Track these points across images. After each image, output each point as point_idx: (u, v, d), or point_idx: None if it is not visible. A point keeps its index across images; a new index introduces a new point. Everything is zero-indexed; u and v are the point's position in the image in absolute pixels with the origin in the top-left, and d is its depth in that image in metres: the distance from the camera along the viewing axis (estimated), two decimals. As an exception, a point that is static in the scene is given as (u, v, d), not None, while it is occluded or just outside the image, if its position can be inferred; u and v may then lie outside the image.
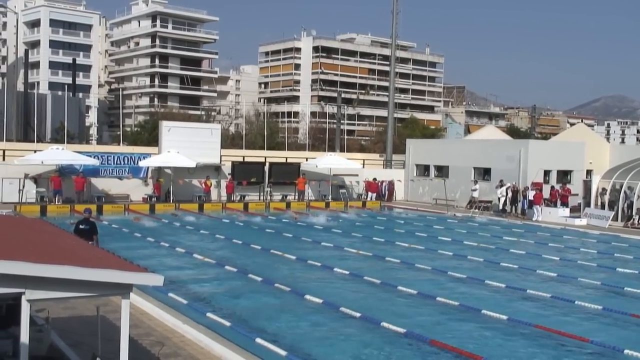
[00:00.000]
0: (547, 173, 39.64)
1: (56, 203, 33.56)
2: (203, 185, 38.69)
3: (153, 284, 7.84)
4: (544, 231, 31.91)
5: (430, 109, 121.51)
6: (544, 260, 23.19)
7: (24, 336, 7.06)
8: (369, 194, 43.74)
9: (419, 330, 13.37)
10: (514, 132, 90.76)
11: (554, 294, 17.25)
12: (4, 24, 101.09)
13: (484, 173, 41.85)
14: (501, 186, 37.98)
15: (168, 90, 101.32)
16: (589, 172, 39.35)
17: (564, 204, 36.75)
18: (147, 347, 11.27)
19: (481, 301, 16.33)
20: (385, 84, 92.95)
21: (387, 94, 68.63)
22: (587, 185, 37.09)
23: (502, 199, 37.52)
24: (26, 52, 67.40)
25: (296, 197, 41.69)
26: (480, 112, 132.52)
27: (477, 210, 38.14)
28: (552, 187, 38.04)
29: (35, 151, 36.48)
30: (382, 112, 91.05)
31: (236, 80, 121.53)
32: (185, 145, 37.56)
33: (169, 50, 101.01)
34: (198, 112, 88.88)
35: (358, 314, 14.45)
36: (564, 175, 40.48)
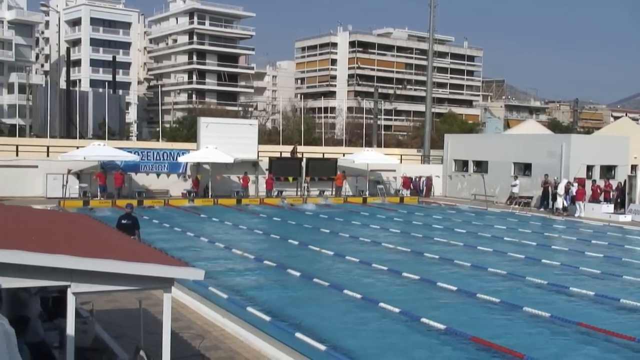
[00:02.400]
0: (589, 168, 38.98)
1: (99, 199, 34.08)
2: (241, 180, 38.93)
3: (194, 278, 7.91)
4: (587, 227, 31.41)
5: (468, 103, 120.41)
6: (587, 258, 22.83)
7: (70, 328, 7.19)
8: (404, 190, 43.56)
9: (459, 326, 13.27)
10: (555, 127, 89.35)
11: (597, 292, 16.97)
12: (47, 23, 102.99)
13: (525, 168, 41.32)
14: (545, 183, 37.43)
15: (206, 86, 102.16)
16: (633, 167, 38.58)
17: (607, 199, 36.13)
18: (187, 340, 11.41)
19: (522, 298, 16.16)
20: (423, 78, 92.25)
21: (424, 88, 68.13)
22: (631, 180, 36.40)
23: (561, 197, 35.93)
24: (68, 50, 68.67)
25: (333, 193, 41.68)
26: (520, 106, 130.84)
27: (517, 206, 37.70)
28: (594, 182, 37.39)
29: (77, 147, 37.09)
30: (420, 107, 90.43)
31: (273, 76, 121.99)
32: (223, 141, 37.82)
33: (206, 47, 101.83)
34: (235, 108, 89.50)
35: (397, 310, 14.41)
36: (608, 171, 39.76)
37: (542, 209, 37.55)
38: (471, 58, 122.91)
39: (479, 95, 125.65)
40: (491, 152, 43.39)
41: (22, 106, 67.88)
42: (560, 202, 35.77)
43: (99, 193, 34.58)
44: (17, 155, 36.34)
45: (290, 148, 44.42)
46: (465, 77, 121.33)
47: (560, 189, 35.71)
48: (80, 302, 11.25)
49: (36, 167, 35.06)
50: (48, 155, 36.90)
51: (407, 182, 43.64)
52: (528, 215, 35.82)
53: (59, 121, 56.04)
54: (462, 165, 45.73)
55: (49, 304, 10.24)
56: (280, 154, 43.68)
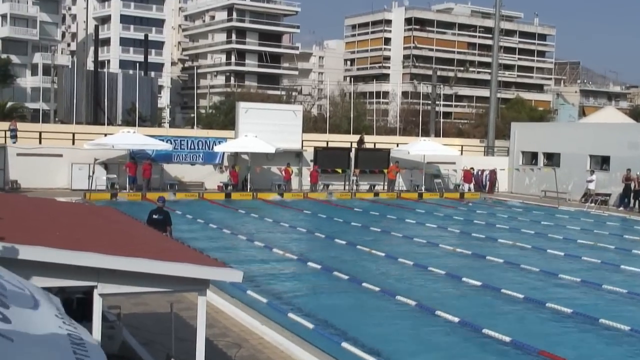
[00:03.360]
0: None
1: (128, 191, 34.59)
2: (283, 172, 39.07)
3: (231, 280, 7.97)
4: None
5: (538, 88, 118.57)
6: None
7: (96, 332, 7.30)
8: (465, 184, 43.19)
9: (525, 338, 13.10)
10: (638, 115, 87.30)
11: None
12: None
13: (602, 162, 40.54)
14: (627, 179, 36.69)
15: (245, 68, 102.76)
16: None
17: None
18: (223, 348, 11.49)
19: (598, 309, 15.87)
20: (488, 59, 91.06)
21: (489, 71, 67.26)
22: None
23: None
24: (96, 28, 69.80)
25: (385, 187, 41.58)
26: (597, 92, 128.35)
27: (593, 204, 37.05)
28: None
29: (105, 135, 37.66)
30: (484, 92, 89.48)
31: (319, 57, 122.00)
32: (264, 129, 37.94)
33: (246, 24, 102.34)
34: (278, 92, 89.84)
35: (456, 319, 14.30)
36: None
37: (621, 208, 36.82)
38: (542, 37, 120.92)
39: (550, 79, 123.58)
40: (564, 143, 42.69)
41: (46, 89, 69.38)
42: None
43: (127, 185, 35.10)
44: (40, 142, 37.11)
45: (339, 137, 44.39)
46: (535, 58, 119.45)
47: None
48: (107, 304, 11.42)
49: (61, 156, 35.71)
50: (73, 143, 37.54)
51: (469, 176, 43.25)
52: (605, 215, 35.18)
53: (85, 106, 56.93)
54: (531, 157, 45.08)
55: (73, 306, 10.41)
56: (327, 144, 43.70)
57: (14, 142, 36.58)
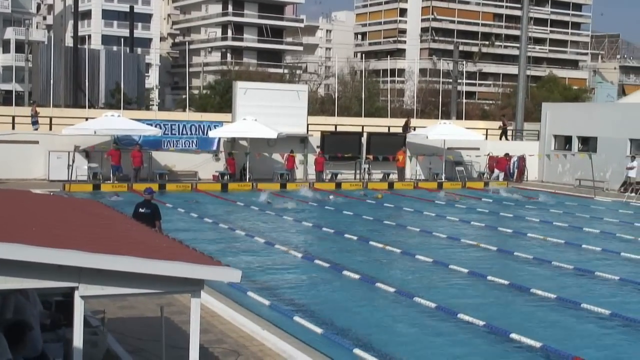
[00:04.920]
0: None
1: (112, 182, 34.66)
2: (286, 160, 39.10)
3: (229, 279, 7.97)
4: None
5: (573, 64, 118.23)
6: None
7: (78, 339, 7.32)
8: (496, 172, 43.14)
9: (558, 344, 13.12)
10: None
11: None
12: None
13: (644, 147, 40.52)
14: None
15: (243, 43, 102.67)
16: None
17: None
18: (219, 356, 11.52)
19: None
20: (516, 32, 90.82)
21: (517, 45, 67.10)
22: None
23: None
24: (75, -1, 69.58)
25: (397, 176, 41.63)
26: (639, 68, 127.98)
27: (633, 194, 36.98)
28: None
29: (86, 119, 37.68)
30: (511, 69, 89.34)
31: (327, 31, 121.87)
32: (265, 112, 37.95)
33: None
34: (280, 70, 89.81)
35: (481, 322, 14.32)
36: None
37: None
38: (577, 7, 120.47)
39: (587, 54, 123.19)
40: (602, 126, 42.60)
41: (19, 68, 69.30)
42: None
43: (111, 175, 35.15)
44: (13, 128, 37.16)
45: (349, 120, 44.42)
46: (569, 30, 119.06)
47: None
48: (90, 308, 11.46)
49: (37, 143, 35.78)
50: (51, 129, 37.62)
51: (504, 162, 43.20)
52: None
53: (63, 87, 57.12)
54: (564, 142, 45.00)
55: (52, 310, 10.46)
56: (335, 128, 43.68)
57: (36, 129, 37.20)
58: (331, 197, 34.74)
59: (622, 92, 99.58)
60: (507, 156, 43.51)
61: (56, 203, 12.32)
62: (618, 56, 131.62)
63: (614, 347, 13.76)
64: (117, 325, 12.00)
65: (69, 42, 72.67)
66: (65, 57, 59.12)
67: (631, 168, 38.69)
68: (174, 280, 7.51)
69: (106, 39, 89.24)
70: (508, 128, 48.90)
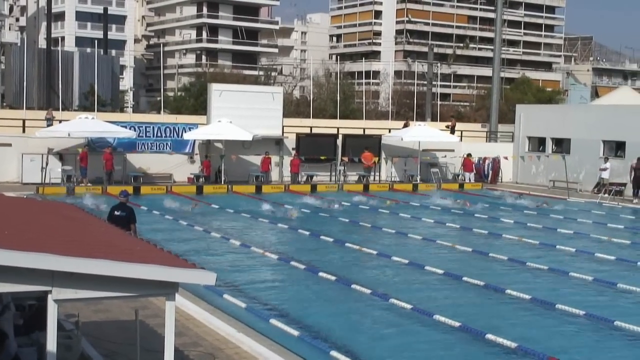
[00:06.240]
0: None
1: (85, 184, 34.45)
2: (262, 162, 39.05)
3: (204, 282, 7.95)
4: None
5: (547, 66, 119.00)
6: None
7: (51, 343, 7.27)
8: (466, 174, 43.37)
9: (533, 344, 13.22)
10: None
11: None
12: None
13: (617, 148, 40.78)
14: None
15: (218, 45, 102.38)
16: None
17: None
18: (194, 359, 11.49)
19: (614, 311, 15.98)
20: (490, 35, 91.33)
21: (491, 47, 67.46)
22: None
23: None
24: (49, 0, 69.05)
25: (376, 178, 41.60)
26: (612, 70, 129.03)
27: (606, 195, 37.27)
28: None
29: (60, 121, 37.44)
30: (486, 71, 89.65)
31: (302, 33, 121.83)
32: (240, 114, 37.89)
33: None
34: (255, 73, 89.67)
35: (457, 324, 14.37)
36: None
37: (637, 200, 37.02)
38: (551, 9, 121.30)
39: (560, 57, 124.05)
40: (575, 128, 42.89)
41: (-8, 70, 68.72)
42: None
43: (77, 178, 34.85)
44: (-14, 131, 36.84)
45: (324, 122, 44.45)
46: (543, 33, 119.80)
47: None
48: (64, 312, 11.38)
49: (9, 145, 35.46)
50: (24, 131, 37.33)
51: (469, 164, 43.40)
52: (620, 206, 35.42)
53: (37, 88, 56.62)
54: (538, 144, 45.26)
55: (25, 314, 10.37)
56: (311, 130, 43.68)
57: None
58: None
59: (595, 94, 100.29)
60: (470, 156, 43.59)
61: (29, 206, 12.22)
62: (591, 58, 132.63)
63: (588, 347, 13.86)
64: (91, 329, 11.93)
65: (42, 43, 72.15)
66: (39, 58, 58.65)
67: (604, 169, 38.96)
68: (148, 283, 7.48)
69: (80, 41, 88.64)
70: (456, 129, 49.03)
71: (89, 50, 68.67)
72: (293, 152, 40.18)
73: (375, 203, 34.55)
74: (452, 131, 45.74)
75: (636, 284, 18.56)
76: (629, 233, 27.86)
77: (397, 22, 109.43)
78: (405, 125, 45.59)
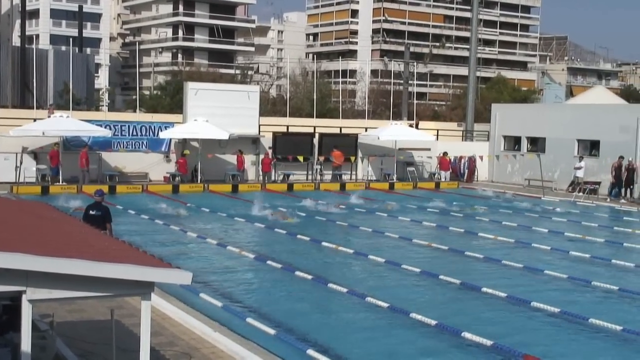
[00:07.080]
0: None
1: (61, 183, 34.24)
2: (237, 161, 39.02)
3: (180, 282, 7.94)
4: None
5: (522, 65, 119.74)
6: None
7: (26, 344, 7.22)
8: (442, 173, 43.56)
9: (509, 342, 13.28)
10: (630, 95, 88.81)
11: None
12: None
13: (591, 147, 41.08)
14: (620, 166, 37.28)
15: (194, 44, 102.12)
16: None
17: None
18: (170, 359, 11.46)
19: (587, 307, 16.11)
20: (466, 34, 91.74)
21: (467, 46, 67.74)
22: None
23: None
24: (23, -3, 68.52)
25: (353, 177, 41.64)
26: (586, 70, 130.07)
27: (581, 193, 37.55)
28: None
29: (34, 120, 37.15)
30: (462, 71, 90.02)
31: (278, 31, 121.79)
32: (216, 113, 37.78)
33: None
34: (231, 71, 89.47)
35: (433, 322, 14.42)
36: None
37: (609, 199, 37.32)
38: (526, 9, 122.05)
39: (535, 56, 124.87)
40: (550, 127, 43.17)
41: (-35, 68, 68.12)
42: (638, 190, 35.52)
43: (48, 177, 34.66)
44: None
45: (300, 121, 44.41)
46: (518, 32, 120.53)
47: None
48: (38, 312, 11.30)
49: (-17, 144, 35.20)
50: (-2, 130, 37.04)
51: (445, 163, 43.57)
52: (594, 205, 35.69)
53: (11, 87, 56.17)
54: (514, 143, 45.51)
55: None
56: (287, 129, 43.65)
57: None
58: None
59: (570, 93, 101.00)
60: (446, 155, 43.74)
61: (3, 205, 12.13)
62: (566, 58, 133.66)
63: (563, 344, 13.96)
64: (66, 329, 11.86)
65: (16, 41, 71.52)
66: (13, 56, 58.19)
67: (579, 168, 39.25)
68: (123, 283, 7.45)
69: (54, 39, 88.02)
70: (433, 128, 49.35)
71: (63, 48, 68.20)
72: (268, 151, 40.16)
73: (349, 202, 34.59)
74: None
75: (609, 281, 18.73)
76: (603, 231, 28.05)
77: (374, 22, 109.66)
78: (415, 126, 46.18)
